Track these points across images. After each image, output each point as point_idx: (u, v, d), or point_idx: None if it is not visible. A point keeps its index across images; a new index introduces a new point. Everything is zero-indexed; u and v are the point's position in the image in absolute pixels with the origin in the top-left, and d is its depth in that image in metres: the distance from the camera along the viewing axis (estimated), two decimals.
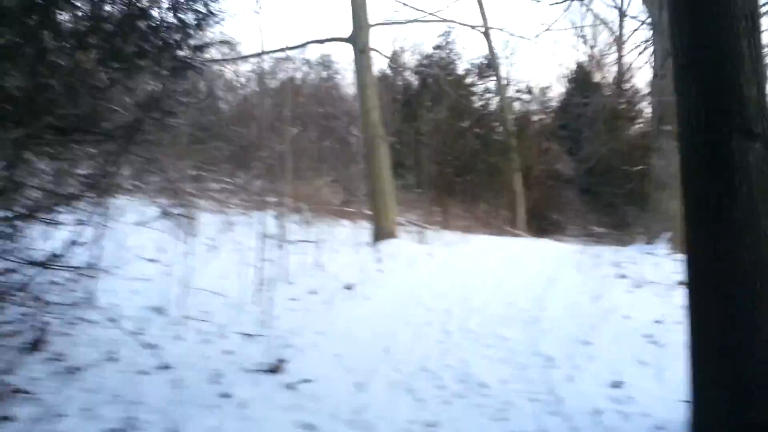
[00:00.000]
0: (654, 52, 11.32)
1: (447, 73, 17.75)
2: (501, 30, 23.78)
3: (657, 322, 5.17)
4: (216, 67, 16.03)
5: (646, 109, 26.13)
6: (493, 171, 16.57)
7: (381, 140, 9.76)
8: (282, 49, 10.73)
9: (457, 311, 5.56)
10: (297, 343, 4.33)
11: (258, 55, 11.01)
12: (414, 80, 17.91)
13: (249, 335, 4.47)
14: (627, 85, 26.33)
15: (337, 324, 4.88)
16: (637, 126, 26.10)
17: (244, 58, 12.50)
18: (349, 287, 6.36)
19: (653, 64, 23.72)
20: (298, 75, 21.49)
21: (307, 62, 21.83)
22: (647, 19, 19.75)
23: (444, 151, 16.44)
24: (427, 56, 17.93)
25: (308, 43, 10.85)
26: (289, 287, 6.19)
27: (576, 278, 7.30)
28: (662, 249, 10.55)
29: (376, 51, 11.47)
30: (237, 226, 8.99)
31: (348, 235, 9.84)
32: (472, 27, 16.51)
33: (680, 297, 6.40)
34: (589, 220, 24.78)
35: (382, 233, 9.65)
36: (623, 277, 7.50)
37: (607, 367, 4.01)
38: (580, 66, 29.71)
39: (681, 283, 7.40)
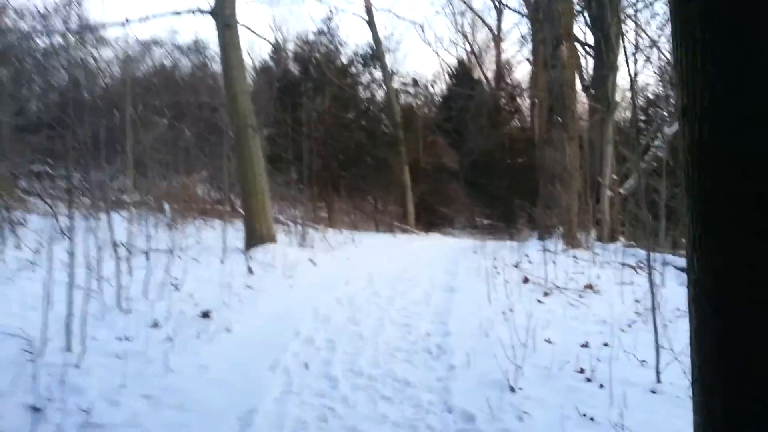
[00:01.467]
0: (544, 41, 10.85)
1: (330, 60, 16.54)
2: (387, 11, 22.79)
3: (583, 346, 4.33)
4: (77, 52, 13.73)
5: (526, 102, 26.79)
6: (380, 165, 15.63)
7: (253, 131, 8.35)
8: (130, 22, 8.86)
9: (343, 344, 4.38)
10: (106, 420, 2.93)
11: (104, 27, 9.11)
12: (295, 67, 16.48)
13: (34, 408, 2.99)
14: (508, 80, 26.75)
15: (177, 379, 3.51)
16: (519, 119, 26.69)
17: (89, 29, 10.45)
18: (205, 314, 4.96)
19: (533, 56, 24.15)
20: (168, 61, 19.35)
21: (178, 47, 19.69)
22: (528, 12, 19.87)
23: (328, 143, 15.23)
24: (309, 42, 16.57)
25: (162, 15, 9.14)
26: (122, 318, 4.67)
27: (479, 287, 6.40)
28: (557, 244, 10.08)
29: (247, 28, 10.01)
30: (76, 233, 7.19)
31: (217, 240, 8.34)
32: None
33: (599, 306, 5.91)
34: (476, 212, 24.85)
35: (256, 237, 8.26)
36: (528, 282, 6.73)
37: None
38: (460, 62, 29.91)
39: (588, 286, 6.83)
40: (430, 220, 19.72)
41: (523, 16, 23.46)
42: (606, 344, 4.33)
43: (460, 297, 5.95)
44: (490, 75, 31.23)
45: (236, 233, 9.02)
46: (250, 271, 7.02)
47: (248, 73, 21.56)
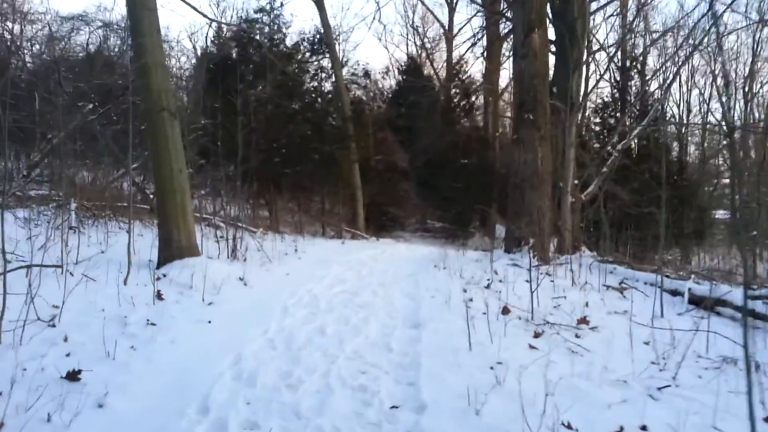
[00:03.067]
0: (513, 29, 9.69)
1: (273, 43, 14.92)
2: None
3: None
4: None
5: (481, 100, 25.87)
6: (327, 161, 14.15)
7: (170, 115, 6.74)
8: None
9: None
10: None
11: None
12: (233, 49, 14.75)
13: None
14: (461, 77, 25.75)
15: None
16: (472, 118, 25.74)
17: None
18: (72, 375, 3.42)
19: (487, 52, 23.22)
20: (95, 39, 17.24)
21: (107, 25, 17.55)
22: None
23: (269, 136, 13.62)
24: (249, 21, 14.85)
25: None
26: None
27: (451, 321, 5.08)
28: (526, 258, 8.94)
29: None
30: None
31: (125, 252, 6.72)
32: None
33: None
34: (427, 214, 23.72)
35: (172, 249, 6.67)
36: (508, 312, 5.46)
37: None
38: (411, 57, 28.77)
39: (582, 321, 5.58)
40: (380, 222, 18.42)
41: (479, 5, 22.44)
42: (644, 428, 3.08)
43: (429, 337, 4.61)
44: (442, 72, 30.34)
45: (155, 241, 7.38)
46: (159, 296, 5.46)
47: (190, 62, 19.63)
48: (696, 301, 6.81)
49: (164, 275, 6.21)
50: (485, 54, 23.79)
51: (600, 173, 14.31)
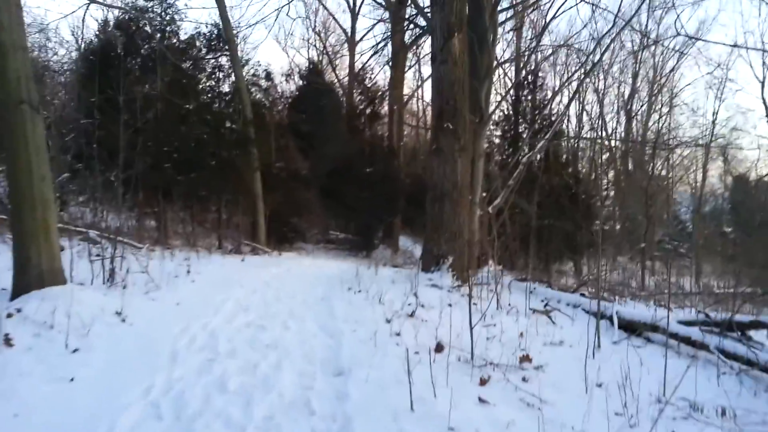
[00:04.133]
0: (432, 31, 9.15)
1: (165, 35, 13.46)
2: None
3: None
4: None
5: (385, 108, 25.45)
6: (226, 168, 12.90)
7: (31, 111, 5.43)
8: None
9: None
10: None
11: None
12: (117, 39, 13.10)
13: None
14: (365, 84, 25.25)
15: None
16: (376, 127, 25.28)
17: None
18: None
19: (392, 59, 22.87)
20: None
21: None
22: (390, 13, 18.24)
23: (160, 138, 12.17)
24: (138, 9, 13.28)
25: None
26: None
27: (380, 364, 4.30)
28: (445, 277, 8.39)
29: None
30: None
31: None
32: None
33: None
34: (331, 225, 22.86)
35: (31, 276, 5.35)
36: (442, 350, 4.76)
37: None
38: (312, 62, 27.89)
39: (525, 358, 4.97)
40: (281, 233, 17.31)
41: (383, 8, 22.01)
42: None
43: (359, 390, 3.78)
44: (345, 79, 29.73)
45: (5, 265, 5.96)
46: (7, 341, 4.22)
47: (70, 54, 17.40)
48: (624, 326, 6.54)
49: (18, 311, 4.90)
50: (390, 62, 23.44)
51: (506, 186, 14.24)
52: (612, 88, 31.38)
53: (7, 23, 5.32)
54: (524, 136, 18.81)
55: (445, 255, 8.55)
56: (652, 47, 28.39)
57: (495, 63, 14.17)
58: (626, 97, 32.00)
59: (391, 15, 21.75)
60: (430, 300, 6.95)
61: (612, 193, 30.75)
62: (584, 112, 29.58)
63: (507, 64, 20.07)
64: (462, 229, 8.70)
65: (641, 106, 33.17)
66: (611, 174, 31.17)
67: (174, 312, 5.78)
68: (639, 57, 29.85)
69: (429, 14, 11.39)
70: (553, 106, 19.83)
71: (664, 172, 33.44)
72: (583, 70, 17.57)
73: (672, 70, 31.37)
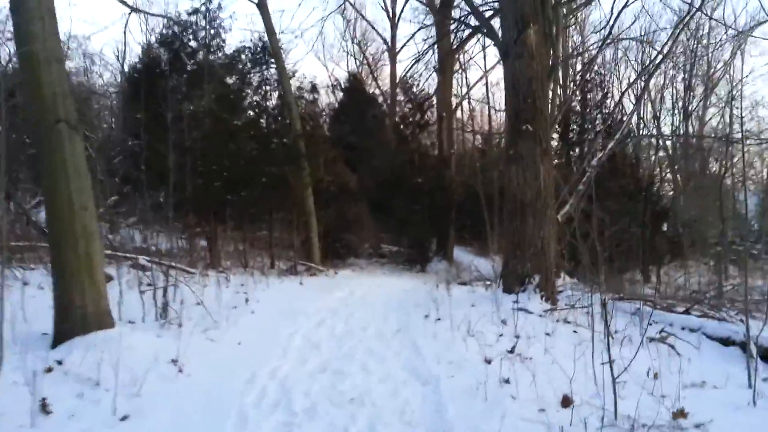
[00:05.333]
0: (501, 20, 8.23)
1: (210, 50, 12.96)
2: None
3: None
4: None
5: (434, 115, 24.53)
6: (278, 184, 12.24)
7: (69, 130, 4.77)
8: None
9: None
10: None
11: None
12: (162, 55, 12.65)
13: None
14: (411, 92, 24.40)
15: None
16: (426, 135, 24.36)
17: None
18: None
19: (438, 64, 21.97)
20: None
21: None
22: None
23: (210, 157, 11.60)
24: (181, 23, 12.82)
25: None
26: None
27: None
28: (532, 299, 7.38)
29: None
30: None
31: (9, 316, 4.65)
32: None
33: None
34: (382, 239, 22.03)
35: (74, 319, 4.65)
36: (569, 405, 3.78)
37: None
38: (353, 74, 27.25)
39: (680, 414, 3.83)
40: (334, 250, 16.60)
41: (429, 13, 21.16)
42: None
43: None
44: (388, 88, 29.04)
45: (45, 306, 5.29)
46: (44, 407, 3.48)
47: (117, 74, 17.18)
48: (762, 355, 5.39)
49: (59, 363, 4.19)
50: (436, 67, 22.54)
51: (576, 191, 13.09)
52: (669, 84, 29.57)
53: (39, 32, 4.68)
54: (588, 137, 17.61)
55: (531, 274, 7.54)
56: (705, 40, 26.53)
57: (560, 59, 13.14)
58: (682, 92, 30.13)
59: (437, 17, 20.91)
60: (525, 329, 5.97)
61: (681, 193, 28.88)
62: (648, 109, 27.91)
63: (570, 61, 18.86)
64: (548, 244, 7.69)
65: (700, 101, 31.16)
66: (677, 174, 29.31)
67: (237, 355, 4.98)
68: (695, 49, 28.01)
69: (486, 11, 10.51)
70: (618, 105, 18.53)
71: (723, 170, 31.30)
72: (651, 65, 16.29)
73: (726, 63, 29.26)
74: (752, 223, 35.79)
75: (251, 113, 14.27)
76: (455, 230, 21.50)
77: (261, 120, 14.33)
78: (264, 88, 15.26)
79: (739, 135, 30.05)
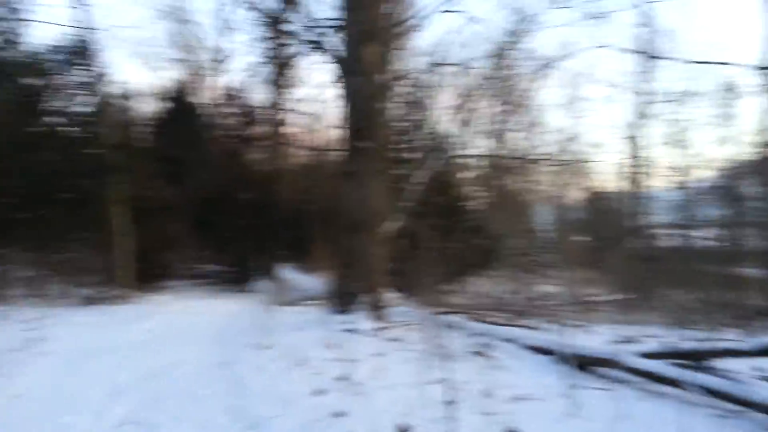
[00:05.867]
0: (344, 29, 8.15)
1: (9, 44, 11.19)
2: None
3: None
4: None
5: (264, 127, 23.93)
6: (86, 201, 10.83)
7: None
8: None
9: None
10: None
11: None
12: None
13: None
14: (242, 103, 23.61)
15: None
16: (256, 149, 23.65)
17: None
18: None
19: (270, 76, 21.55)
20: None
21: None
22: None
23: (4, 169, 9.90)
24: None
25: None
26: None
27: None
28: (364, 321, 7.30)
29: None
30: None
31: None
32: None
33: None
34: (204, 258, 20.74)
35: None
36: None
37: None
38: (179, 82, 25.72)
39: None
40: (149, 272, 15.17)
41: (265, 25, 20.62)
42: None
43: None
44: (216, 98, 27.82)
45: None
46: None
47: None
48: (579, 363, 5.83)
49: None
50: (269, 80, 22.06)
51: (402, 208, 13.51)
52: (481, 107, 32.23)
53: None
54: (414, 155, 18.37)
55: (362, 293, 7.46)
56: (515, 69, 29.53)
57: (394, 79, 13.52)
58: (494, 115, 33.11)
59: (271, 29, 20.48)
60: (356, 351, 5.82)
61: (490, 208, 31.50)
62: (467, 130, 30.04)
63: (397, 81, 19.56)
64: (379, 263, 7.69)
65: (508, 124, 34.44)
66: (488, 190, 31.97)
67: (14, 412, 4.10)
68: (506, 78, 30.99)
69: (323, 27, 10.42)
70: (441, 125, 19.60)
71: (526, 186, 35.05)
72: (469, 90, 17.53)
73: (531, 91, 32.83)
74: (549, 235, 40.49)
75: (56, 119, 12.53)
76: (282, 248, 21.03)
77: (69, 128, 12.65)
78: (74, 91, 13.52)
79: (539, 156, 33.90)
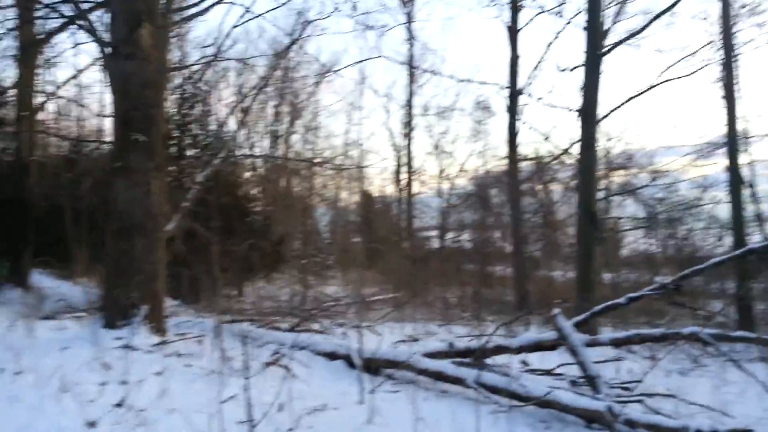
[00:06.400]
0: (107, 15, 7.24)
1: None
2: None
3: None
4: None
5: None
6: None
7: None
8: None
9: None
10: None
11: None
12: None
13: None
14: None
15: None
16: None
17: None
18: None
19: (21, 54, 18.63)
20: None
21: None
22: None
23: None
24: None
25: None
26: None
27: None
28: (142, 335, 6.63)
29: None
30: None
31: None
32: None
33: None
34: None
35: None
36: None
37: None
38: None
39: None
40: None
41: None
42: None
43: None
44: None
45: None
46: None
47: None
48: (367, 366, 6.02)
49: None
50: (16, 58, 18.80)
51: (180, 209, 12.68)
52: (264, 107, 31.95)
53: None
54: (193, 153, 17.31)
55: (137, 303, 6.73)
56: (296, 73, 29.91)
57: (170, 68, 12.56)
58: (275, 116, 33.05)
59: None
60: (134, 372, 5.19)
61: (273, 210, 31.34)
62: (249, 129, 29.42)
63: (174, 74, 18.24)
64: (158, 269, 7.02)
65: (287, 127, 34.65)
66: (271, 192, 31.80)
67: None
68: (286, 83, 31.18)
69: (85, 1, 9.21)
70: (222, 122, 18.83)
71: (306, 189, 35.78)
72: (250, 89, 17.17)
73: (309, 95, 33.54)
74: (329, 237, 41.87)
75: None
76: (34, 251, 18.16)
77: None
78: None
79: (319, 159, 34.79)
